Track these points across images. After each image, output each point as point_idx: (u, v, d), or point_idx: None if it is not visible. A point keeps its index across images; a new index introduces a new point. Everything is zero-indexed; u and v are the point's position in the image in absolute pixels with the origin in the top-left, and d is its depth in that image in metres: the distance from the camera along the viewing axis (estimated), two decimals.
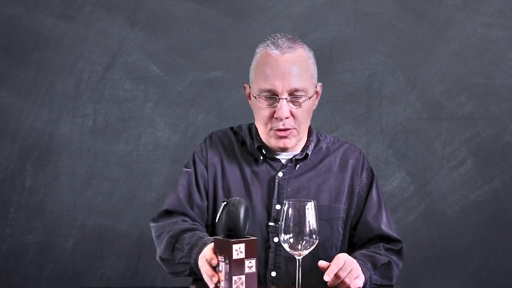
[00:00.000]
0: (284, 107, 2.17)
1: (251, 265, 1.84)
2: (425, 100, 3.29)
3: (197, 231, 2.19)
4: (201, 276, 2.03)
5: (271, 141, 2.23)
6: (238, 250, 1.82)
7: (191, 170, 2.30)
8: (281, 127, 2.19)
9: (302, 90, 2.18)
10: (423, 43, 3.29)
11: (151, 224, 2.30)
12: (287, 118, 2.18)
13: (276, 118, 2.18)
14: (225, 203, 1.88)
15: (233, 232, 1.84)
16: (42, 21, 3.26)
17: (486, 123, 3.28)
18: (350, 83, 3.29)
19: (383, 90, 3.30)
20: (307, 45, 2.27)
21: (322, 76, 3.25)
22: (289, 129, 2.20)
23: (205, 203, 2.28)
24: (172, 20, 3.29)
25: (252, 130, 2.33)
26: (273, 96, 2.18)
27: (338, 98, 3.29)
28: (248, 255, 1.84)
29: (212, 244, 1.93)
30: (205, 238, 2.12)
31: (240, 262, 1.83)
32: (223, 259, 1.83)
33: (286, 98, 2.17)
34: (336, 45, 3.29)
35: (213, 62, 3.29)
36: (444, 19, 3.29)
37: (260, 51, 2.24)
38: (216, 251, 1.86)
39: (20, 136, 3.26)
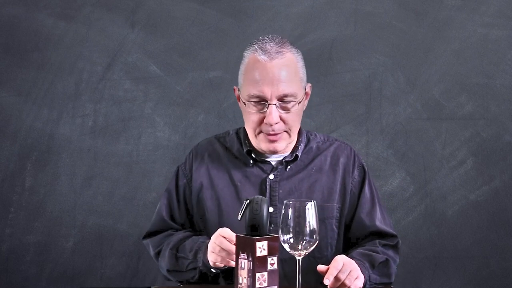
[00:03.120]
0: (274, 112, 2.17)
1: (273, 262, 1.87)
2: (425, 100, 3.29)
3: (194, 237, 2.23)
4: (211, 275, 2.10)
5: (261, 145, 2.24)
6: (262, 247, 1.85)
7: (171, 187, 2.32)
8: (271, 132, 2.19)
9: (292, 96, 2.18)
10: (423, 43, 3.29)
11: (144, 242, 2.33)
12: (276, 123, 2.18)
13: (266, 124, 2.19)
14: (248, 201, 1.90)
15: (257, 230, 1.87)
16: (42, 21, 3.26)
17: (486, 123, 3.28)
18: (350, 83, 3.29)
19: (383, 90, 3.30)
20: (295, 47, 2.25)
21: (322, 76, 3.26)
22: (279, 133, 2.21)
23: (185, 220, 2.31)
24: (172, 20, 3.29)
25: (240, 134, 2.32)
26: (262, 102, 2.18)
27: (338, 98, 3.29)
28: (271, 252, 1.87)
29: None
30: (207, 241, 2.13)
31: (263, 259, 1.86)
32: (246, 257, 1.86)
33: (275, 104, 2.17)
34: (336, 45, 3.29)
35: (213, 62, 3.29)
36: (444, 19, 3.29)
37: (248, 55, 2.22)
38: (239, 248, 1.88)
39: (20, 136, 3.26)
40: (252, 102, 2.19)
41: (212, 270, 2.13)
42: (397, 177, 3.29)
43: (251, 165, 2.27)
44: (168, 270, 2.23)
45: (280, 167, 2.27)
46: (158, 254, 2.28)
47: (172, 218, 2.31)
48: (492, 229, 3.27)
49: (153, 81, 3.29)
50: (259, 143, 2.24)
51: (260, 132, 2.22)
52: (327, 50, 3.29)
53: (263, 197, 1.92)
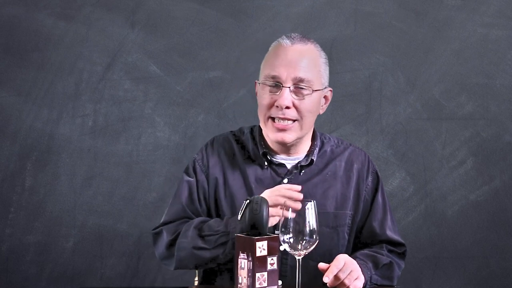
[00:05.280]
0: (286, 95, 2.14)
1: (273, 262, 1.87)
2: (425, 100, 3.29)
3: (217, 218, 2.18)
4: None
5: (269, 135, 2.20)
6: (261, 247, 1.85)
7: (192, 179, 2.25)
8: (280, 115, 2.15)
9: (308, 82, 2.16)
10: (423, 43, 3.29)
11: (156, 230, 2.24)
12: (287, 108, 2.15)
13: (277, 107, 2.15)
14: (247, 201, 1.90)
15: (257, 230, 1.87)
16: (42, 21, 3.26)
17: (486, 123, 3.28)
18: (350, 83, 3.29)
19: (383, 90, 3.30)
20: (321, 48, 2.26)
21: None
22: (289, 119, 2.16)
23: (205, 213, 2.25)
24: (172, 20, 3.29)
25: (254, 134, 2.28)
26: (277, 83, 2.16)
27: (338, 98, 3.29)
28: (270, 252, 1.86)
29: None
30: (235, 216, 2.10)
31: (263, 259, 1.86)
32: (246, 256, 1.86)
33: (289, 87, 2.15)
34: (336, 45, 3.29)
35: (213, 62, 3.29)
36: (444, 19, 3.29)
37: (273, 44, 2.24)
38: (239, 248, 1.87)
39: (20, 136, 3.26)
40: (267, 83, 2.17)
41: None
42: (397, 177, 3.29)
43: (265, 167, 2.24)
44: (194, 248, 2.13)
45: (295, 171, 2.23)
46: (173, 240, 2.18)
47: (191, 210, 2.24)
48: (492, 229, 3.27)
49: (153, 81, 3.29)
50: (268, 131, 2.20)
51: (269, 118, 2.18)
52: (327, 50, 3.25)
53: (263, 197, 1.91)
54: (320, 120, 3.28)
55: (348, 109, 3.30)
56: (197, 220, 2.18)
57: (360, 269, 2.07)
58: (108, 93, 3.28)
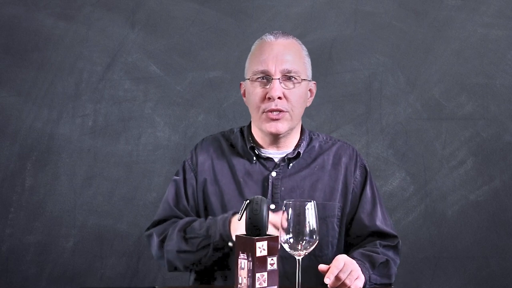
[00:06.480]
0: (277, 86, 2.22)
1: (273, 262, 1.88)
2: (425, 100, 3.29)
3: (200, 219, 2.24)
4: (227, 250, 2.13)
5: (263, 126, 2.25)
6: (261, 247, 1.86)
7: (179, 178, 2.32)
8: (273, 107, 2.22)
9: (295, 73, 2.24)
10: (423, 43, 3.29)
11: (148, 232, 2.31)
12: (279, 98, 2.22)
13: (269, 99, 2.22)
14: (247, 201, 1.91)
15: (257, 230, 1.87)
16: (42, 21, 3.26)
17: (486, 123, 3.28)
18: (350, 83, 3.30)
19: (383, 90, 3.30)
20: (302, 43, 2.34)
21: (322, 76, 3.26)
22: (282, 111, 2.23)
23: (193, 210, 2.31)
24: (172, 20, 3.29)
25: (244, 132, 2.35)
26: (266, 77, 2.23)
27: (338, 98, 3.29)
28: (270, 253, 1.87)
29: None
30: (218, 217, 2.16)
31: (263, 259, 1.86)
32: (245, 257, 1.86)
33: (278, 79, 2.22)
34: (336, 45, 3.29)
35: (213, 62, 3.29)
36: (444, 19, 3.29)
37: (256, 42, 2.32)
38: (239, 248, 1.88)
39: (20, 136, 3.26)
40: (257, 79, 2.24)
41: (230, 244, 2.13)
42: (397, 177, 3.29)
43: (254, 161, 2.29)
44: (178, 252, 2.21)
45: (283, 164, 2.28)
46: (162, 241, 2.25)
47: (178, 207, 2.31)
48: (492, 229, 3.27)
49: (153, 81, 3.29)
50: (262, 123, 2.25)
51: (263, 112, 2.24)
52: (327, 50, 3.29)
53: (263, 197, 1.93)
54: (320, 120, 3.30)
55: (348, 109, 3.30)
56: (182, 222, 2.24)
57: (359, 268, 2.08)
58: (108, 93, 3.28)
